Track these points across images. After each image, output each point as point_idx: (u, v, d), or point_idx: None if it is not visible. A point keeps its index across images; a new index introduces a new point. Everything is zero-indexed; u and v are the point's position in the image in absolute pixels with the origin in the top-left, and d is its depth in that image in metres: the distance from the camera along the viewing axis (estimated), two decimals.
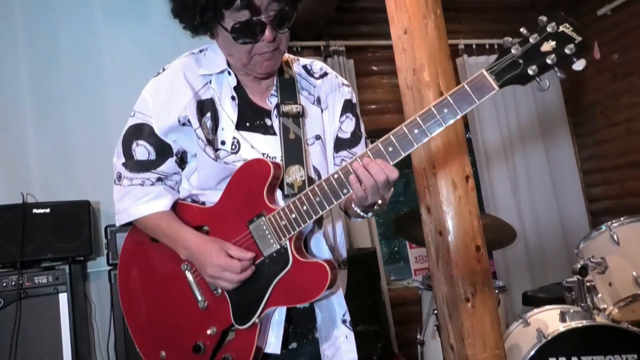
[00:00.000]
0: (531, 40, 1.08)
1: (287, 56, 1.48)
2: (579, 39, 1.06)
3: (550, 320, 2.55)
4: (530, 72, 1.08)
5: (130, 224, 1.43)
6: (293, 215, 1.24)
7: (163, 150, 1.37)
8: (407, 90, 2.26)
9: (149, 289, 1.43)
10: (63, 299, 2.81)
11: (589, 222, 4.59)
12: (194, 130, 1.33)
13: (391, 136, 1.16)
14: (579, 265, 2.62)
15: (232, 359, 1.31)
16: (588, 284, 2.64)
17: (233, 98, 1.38)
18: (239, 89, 1.39)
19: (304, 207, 1.23)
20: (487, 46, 4.50)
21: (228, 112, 1.37)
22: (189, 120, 1.33)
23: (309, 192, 1.24)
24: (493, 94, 1.11)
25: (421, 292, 3.44)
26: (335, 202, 1.22)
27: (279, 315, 1.33)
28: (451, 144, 2.11)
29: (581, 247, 2.85)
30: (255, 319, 1.29)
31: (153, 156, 1.37)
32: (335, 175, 1.21)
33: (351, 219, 1.52)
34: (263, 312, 1.29)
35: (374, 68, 4.32)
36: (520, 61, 1.08)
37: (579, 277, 2.60)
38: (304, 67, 1.51)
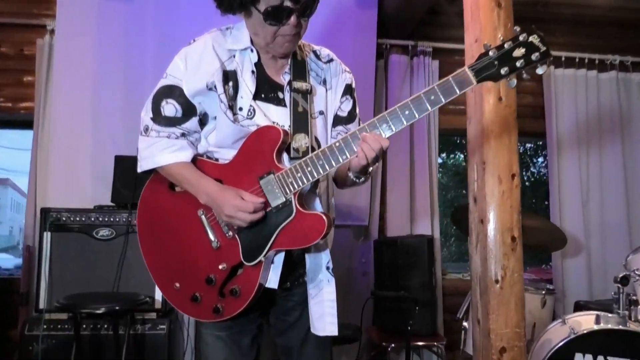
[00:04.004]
0: (506, 46, 1.34)
1: (301, 42, 1.67)
2: (543, 48, 1.31)
3: (585, 321, 2.70)
4: (502, 72, 1.34)
5: (149, 173, 1.61)
6: (299, 174, 1.45)
7: (189, 110, 1.55)
8: (471, 93, 2.53)
9: (167, 230, 1.60)
10: None
11: None
12: (217, 95, 1.52)
13: (385, 114, 1.41)
14: (622, 275, 2.76)
15: (239, 290, 1.51)
16: (633, 297, 2.75)
17: (253, 72, 1.58)
18: (258, 65, 1.59)
19: (309, 168, 1.45)
20: (577, 59, 4.51)
21: (248, 84, 1.56)
22: (215, 86, 1.52)
23: (313, 156, 1.46)
24: (471, 88, 1.37)
25: None
26: (334, 165, 1.45)
27: (278, 258, 1.54)
28: (502, 143, 2.36)
29: (629, 259, 2.96)
30: (261, 257, 1.49)
31: (180, 114, 1.54)
32: (337, 144, 1.44)
33: (339, 187, 1.75)
34: (268, 253, 1.49)
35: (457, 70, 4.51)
36: (496, 62, 1.34)
37: (619, 285, 2.74)
38: (314, 52, 1.72)
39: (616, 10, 4.58)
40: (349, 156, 1.45)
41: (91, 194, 3.64)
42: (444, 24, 4.51)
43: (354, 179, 1.55)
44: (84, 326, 3.07)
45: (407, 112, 1.40)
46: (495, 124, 2.37)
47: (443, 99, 1.37)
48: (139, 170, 1.62)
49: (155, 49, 3.77)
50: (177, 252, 1.59)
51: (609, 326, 2.59)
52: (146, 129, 1.58)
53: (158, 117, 1.56)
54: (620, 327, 2.57)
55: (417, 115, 1.39)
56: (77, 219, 3.29)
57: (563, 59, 4.53)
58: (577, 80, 4.49)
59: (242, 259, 1.52)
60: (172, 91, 1.56)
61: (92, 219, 3.31)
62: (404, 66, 4.30)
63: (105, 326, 3.10)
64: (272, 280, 1.56)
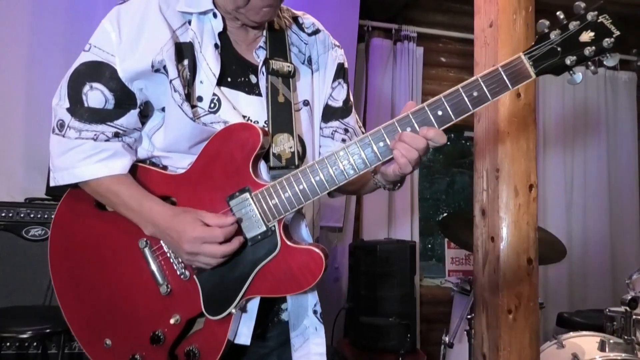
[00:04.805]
0: (571, 27, 1.01)
1: None
2: (617, 33, 1.00)
3: (587, 347, 2.46)
4: (568, 62, 1.01)
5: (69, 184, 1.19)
6: (286, 195, 1.08)
7: (125, 99, 1.13)
8: None
9: (93, 266, 1.20)
10: None
11: None
12: (169, 80, 1.10)
13: (410, 115, 1.05)
14: (630, 297, 2.51)
15: (197, 351, 1.15)
16: (635, 317, 2.52)
17: (216, 46, 1.17)
18: (223, 36, 1.18)
19: (300, 186, 1.08)
20: None
21: (210, 63, 1.15)
22: (164, 67, 1.10)
23: (307, 170, 1.08)
24: (528, 82, 1.04)
25: (454, 295, 3.37)
26: (338, 184, 1.08)
27: (251, 305, 1.17)
28: (520, 149, 2.01)
29: (634, 278, 2.73)
30: (231, 309, 1.11)
31: (111, 105, 1.12)
32: (341, 153, 1.07)
33: (341, 193, 1.38)
34: (241, 301, 1.13)
35: (443, 59, 4.19)
36: (559, 49, 1.02)
37: (627, 308, 2.49)
38: (295, 19, 1.32)
39: (608, 3, 4.33)
40: (357, 170, 1.07)
41: (22, 184, 3.14)
42: (430, 7, 4.18)
43: (384, 188, 1.21)
44: (8, 344, 2.58)
45: (439, 113, 1.04)
46: (512, 124, 2.02)
47: (490, 96, 1.03)
48: (52, 184, 1.18)
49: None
50: (108, 297, 1.19)
51: (616, 356, 2.33)
52: (60, 125, 1.14)
53: (79, 109, 1.12)
54: (629, 357, 2.32)
55: (453, 117, 1.04)
56: (3, 214, 2.78)
57: None
58: (565, 75, 4.22)
59: (204, 310, 1.13)
60: (99, 72, 1.12)
61: (22, 215, 2.80)
62: (386, 51, 3.97)
63: (35, 344, 2.61)
64: (243, 334, 1.17)
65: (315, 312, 1.25)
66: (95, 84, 1.11)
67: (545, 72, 1.03)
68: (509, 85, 1.02)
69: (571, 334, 2.82)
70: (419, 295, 3.87)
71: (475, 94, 1.02)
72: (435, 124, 1.04)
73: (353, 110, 1.38)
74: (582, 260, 4.20)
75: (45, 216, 2.81)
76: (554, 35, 1.02)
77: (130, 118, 1.15)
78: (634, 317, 2.51)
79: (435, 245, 5.82)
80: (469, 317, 2.75)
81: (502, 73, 1.02)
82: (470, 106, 1.03)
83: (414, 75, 3.92)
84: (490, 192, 2.05)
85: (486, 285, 2.05)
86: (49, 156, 1.18)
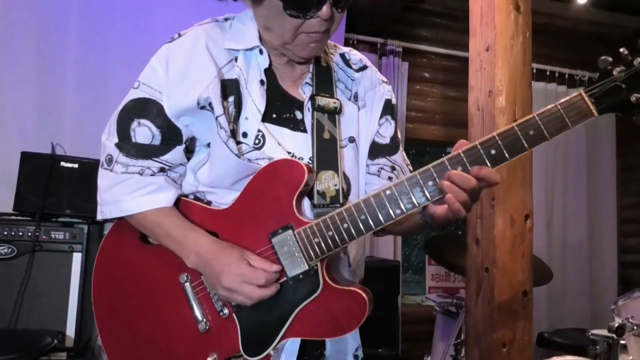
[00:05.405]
0: (636, 64, 0.98)
1: None
2: None
3: None
4: (633, 99, 0.98)
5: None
6: (330, 233, 1.06)
7: (171, 136, 1.15)
8: (477, 111, 2.11)
9: (134, 300, 1.21)
10: (77, 258, 2.70)
11: (618, 273, 4.42)
12: (215, 117, 1.12)
13: (461, 154, 1.01)
14: (617, 324, 2.48)
15: None
16: (622, 341, 2.50)
17: (262, 82, 1.17)
18: (269, 72, 1.19)
19: (345, 225, 1.05)
20: (547, 72, 4.29)
21: (255, 99, 1.16)
22: (210, 104, 1.12)
23: (353, 208, 1.06)
24: (589, 120, 1.00)
25: (436, 315, 3.32)
26: (384, 224, 1.05)
27: (291, 344, 1.14)
28: (516, 178, 1.97)
29: (619, 304, 2.70)
30: (270, 350, 1.09)
31: (157, 141, 1.15)
32: (388, 192, 1.04)
33: (379, 235, 1.38)
34: (280, 343, 1.10)
35: (427, 75, 4.15)
36: (623, 86, 0.98)
37: (614, 336, 2.47)
38: (342, 55, 1.31)
39: (587, 23, 4.40)
40: (405, 210, 1.03)
41: None
42: (415, 22, 4.13)
43: (432, 229, 1.15)
44: None
45: (493, 152, 0.98)
46: None
47: (547, 135, 0.98)
48: (99, 217, 1.20)
49: (80, 28, 3.19)
50: (147, 331, 1.18)
51: None
52: (109, 160, 1.16)
53: (127, 145, 1.15)
54: None
55: (508, 156, 0.99)
56: None
57: (534, 71, 4.27)
58: (547, 95, 4.25)
59: (242, 351, 1.11)
60: (146, 108, 1.14)
61: None
62: None
63: None
64: None
65: (356, 357, 1.23)
66: (142, 120, 1.14)
67: (608, 110, 1.00)
68: (569, 123, 0.99)
69: (555, 358, 2.81)
70: (400, 313, 3.81)
71: (531, 132, 0.98)
72: (489, 164, 0.98)
73: (401, 147, 1.36)
74: (561, 279, 4.20)
75: (13, 233, 2.63)
76: (617, 72, 0.98)
77: (176, 154, 1.17)
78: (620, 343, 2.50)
79: (412, 256, 5.78)
80: (456, 342, 2.71)
81: (561, 111, 0.98)
82: (526, 145, 0.98)
83: (399, 90, 3.87)
84: (485, 220, 2.00)
85: (479, 317, 1.99)
86: (97, 190, 1.20)
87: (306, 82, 1.22)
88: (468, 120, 2.18)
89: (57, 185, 2.77)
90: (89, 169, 2.84)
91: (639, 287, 2.63)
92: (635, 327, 2.52)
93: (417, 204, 1.02)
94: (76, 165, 2.81)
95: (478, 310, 2.00)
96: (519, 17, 2.04)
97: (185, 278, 1.16)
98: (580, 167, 4.37)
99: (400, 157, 1.35)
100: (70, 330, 2.66)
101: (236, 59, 1.17)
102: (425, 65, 4.13)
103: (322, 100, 1.19)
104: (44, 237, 2.67)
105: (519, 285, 1.92)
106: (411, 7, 4.07)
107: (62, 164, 2.80)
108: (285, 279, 1.09)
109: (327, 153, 1.17)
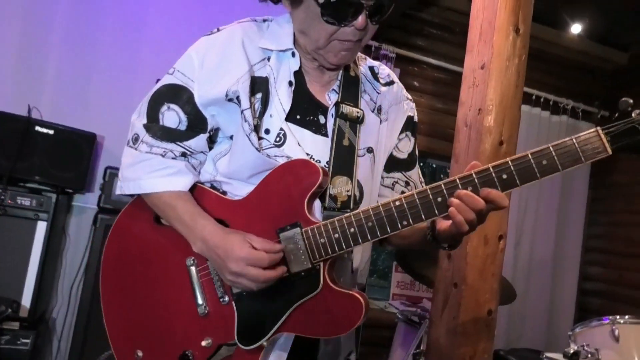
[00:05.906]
0: None
1: None
2: None
3: None
4: None
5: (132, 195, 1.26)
6: (336, 236, 1.09)
7: (197, 123, 1.20)
8: (464, 127, 2.11)
9: (141, 278, 1.25)
10: (41, 227, 2.64)
11: (576, 300, 4.50)
12: (240, 110, 1.17)
13: (474, 175, 1.04)
14: (572, 350, 2.54)
15: None
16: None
17: (290, 83, 1.22)
18: (298, 75, 1.24)
19: (351, 230, 1.08)
20: (533, 97, 4.33)
21: (281, 98, 1.20)
22: (237, 97, 1.17)
23: (361, 214, 1.09)
24: (602, 157, 1.02)
25: (398, 322, 3.34)
26: (389, 233, 1.08)
27: (285, 340, 1.17)
28: None
29: (576, 331, 2.76)
30: (263, 341, 1.12)
31: (184, 126, 1.20)
32: (397, 203, 1.07)
33: (385, 247, 1.39)
34: (274, 336, 1.13)
35: (416, 84, 4.15)
36: None
37: None
38: (371, 68, 1.36)
39: (578, 53, 4.46)
40: (411, 222, 1.07)
41: None
42: (413, 30, 4.12)
43: (438, 246, 1.18)
44: None
45: (504, 177, 1.01)
46: None
47: (560, 167, 1.01)
48: (118, 192, 1.24)
49: None
50: (148, 309, 1.22)
51: None
52: (135, 139, 1.21)
53: (154, 126, 1.20)
54: None
55: (518, 183, 1.01)
56: None
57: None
58: (530, 118, 4.29)
59: (236, 339, 1.14)
60: (178, 94, 1.20)
61: None
62: None
63: None
64: None
65: None
66: (172, 105, 1.19)
67: (622, 149, 1.02)
68: (582, 158, 1.01)
69: None
70: None
71: (544, 162, 1.01)
72: (499, 187, 1.00)
73: (417, 164, 1.40)
74: (523, 298, 4.26)
75: None
76: (636, 114, 1.01)
77: (199, 141, 1.21)
78: None
79: (379, 261, 5.79)
80: (415, 352, 2.72)
81: (576, 145, 1.00)
82: (537, 174, 1.01)
83: None
84: None
85: (443, 331, 1.99)
86: (120, 166, 1.24)
87: (333, 89, 1.26)
88: (454, 135, 2.18)
89: (30, 150, 2.69)
90: (64, 136, 2.77)
91: (597, 317, 2.71)
92: (589, 355, 2.58)
93: (423, 217, 1.05)
94: (52, 132, 2.74)
95: (442, 324, 2.01)
96: (517, 40, 2.05)
97: (192, 261, 1.19)
98: (555, 189, 4.41)
99: (416, 174, 1.39)
100: (26, 301, 2.60)
101: (269, 59, 1.22)
102: (416, 74, 4.13)
103: (346, 108, 1.24)
104: (9, 201, 2.59)
105: (485, 304, 1.93)
106: (410, 15, 4.06)
107: (37, 128, 2.72)
108: (287, 274, 1.12)
109: (344, 159, 1.21)
